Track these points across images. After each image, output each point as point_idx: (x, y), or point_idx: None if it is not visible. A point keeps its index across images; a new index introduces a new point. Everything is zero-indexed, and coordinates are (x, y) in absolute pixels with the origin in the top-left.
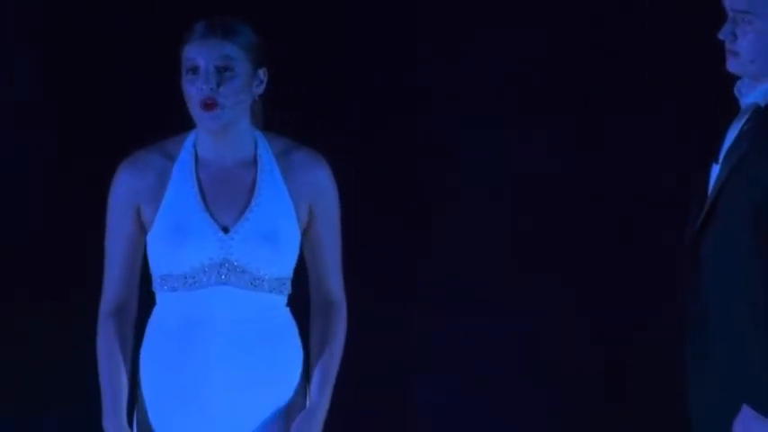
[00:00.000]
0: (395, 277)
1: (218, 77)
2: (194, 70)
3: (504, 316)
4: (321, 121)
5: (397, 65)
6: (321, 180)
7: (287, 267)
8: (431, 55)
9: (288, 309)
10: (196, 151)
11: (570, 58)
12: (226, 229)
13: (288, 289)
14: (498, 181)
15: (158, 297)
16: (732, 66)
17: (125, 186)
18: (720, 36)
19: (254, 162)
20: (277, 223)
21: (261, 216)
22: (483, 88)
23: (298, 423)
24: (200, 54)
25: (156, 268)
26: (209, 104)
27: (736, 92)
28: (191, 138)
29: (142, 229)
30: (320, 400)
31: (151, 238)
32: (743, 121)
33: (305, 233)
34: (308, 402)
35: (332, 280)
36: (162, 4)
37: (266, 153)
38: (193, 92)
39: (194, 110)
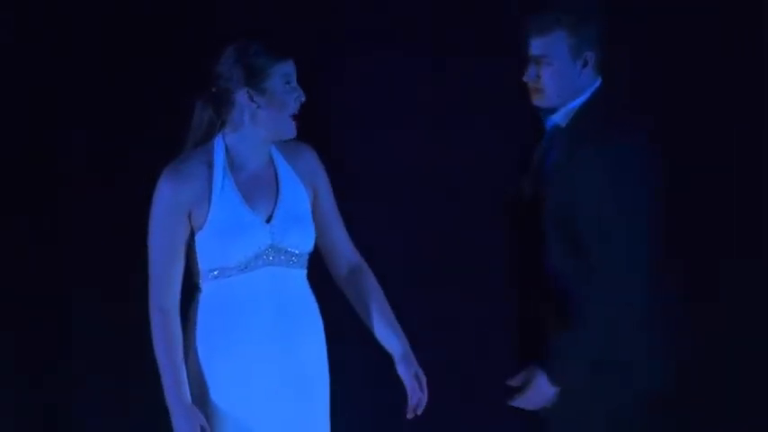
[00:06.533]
0: None
1: None
2: (292, 85)
3: None
4: None
5: None
6: (314, 163)
7: (312, 243)
8: None
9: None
10: (226, 157)
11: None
12: (267, 219)
13: (307, 264)
14: None
15: (207, 285)
16: (538, 101)
17: (173, 194)
18: (526, 79)
19: (271, 160)
20: (301, 207)
21: (289, 203)
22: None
23: (406, 367)
24: (294, 72)
25: (208, 262)
26: (297, 116)
27: (542, 116)
28: (218, 146)
29: (189, 231)
30: (405, 343)
31: (203, 236)
32: (547, 138)
33: (312, 212)
34: (395, 351)
35: (348, 246)
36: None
37: (275, 150)
38: (291, 102)
39: (283, 117)
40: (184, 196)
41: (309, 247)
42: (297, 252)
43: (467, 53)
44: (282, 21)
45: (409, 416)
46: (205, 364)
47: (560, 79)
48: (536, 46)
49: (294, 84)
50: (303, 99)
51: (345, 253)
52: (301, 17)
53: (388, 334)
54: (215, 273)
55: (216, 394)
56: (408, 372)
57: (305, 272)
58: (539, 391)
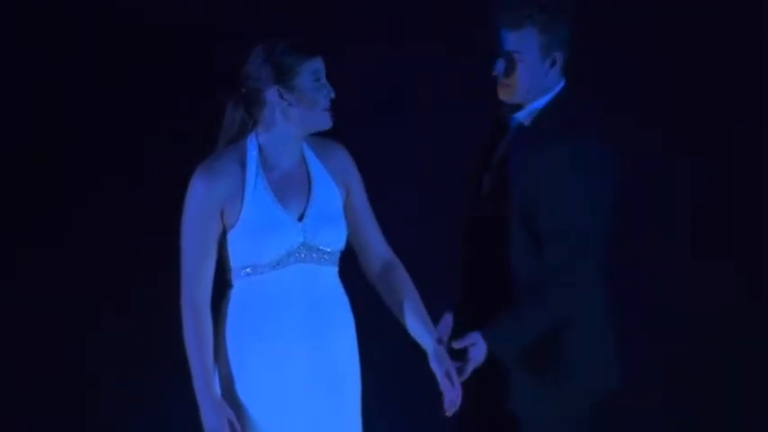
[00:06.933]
0: None
1: None
2: (322, 81)
3: None
4: None
5: None
6: (347, 162)
7: (344, 241)
8: None
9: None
10: (258, 156)
11: None
12: (299, 218)
13: (338, 261)
14: None
15: (238, 282)
16: (505, 96)
17: (206, 192)
18: (495, 72)
19: (303, 159)
20: (333, 205)
21: (321, 202)
22: None
23: (438, 363)
24: (323, 69)
25: (240, 259)
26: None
27: (505, 113)
28: (251, 145)
29: (221, 229)
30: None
31: (235, 234)
32: (510, 136)
33: (344, 209)
34: (428, 347)
35: (381, 244)
36: None
37: (307, 148)
38: (321, 98)
39: (315, 113)
40: (217, 194)
41: (341, 245)
42: (328, 250)
43: (466, 53)
44: (283, 20)
45: (447, 414)
46: (236, 360)
47: (529, 76)
48: (508, 40)
49: (323, 80)
50: (333, 95)
51: (378, 250)
52: (301, 17)
53: (420, 329)
54: (247, 270)
55: (246, 390)
56: (441, 368)
57: (336, 269)
58: (475, 350)
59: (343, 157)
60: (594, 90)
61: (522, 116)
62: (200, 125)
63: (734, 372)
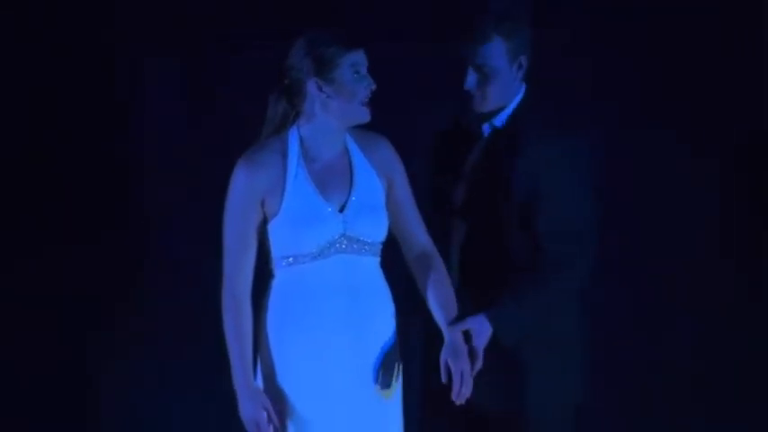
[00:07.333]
0: None
1: None
2: (361, 74)
3: None
4: None
5: None
6: (390, 154)
7: (384, 233)
8: None
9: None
10: (300, 147)
11: None
12: (340, 209)
13: (380, 252)
14: None
15: (280, 272)
16: (481, 107)
17: (247, 182)
18: (467, 87)
19: (345, 151)
20: (374, 197)
21: (363, 193)
22: None
23: (447, 355)
24: (364, 61)
25: (281, 249)
26: (369, 103)
27: (472, 121)
28: (293, 136)
29: (263, 219)
30: (455, 333)
31: (276, 224)
32: (483, 143)
33: (387, 201)
34: (445, 337)
35: (422, 235)
36: None
37: (350, 141)
38: (360, 90)
39: (354, 106)
40: (258, 184)
41: (381, 236)
42: (369, 241)
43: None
44: (282, 20)
45: (457, 402)
46: (277, 349)
47: (500, 83)
48: (477, 54)
49: (364, 72)
50: (373, 87)
51: (419, 241)
52: (301, 17)
53: (441, 318)
54: (288, 260)
55: (287, 380)
56: (453, 361)
57: (378, 260)
58: (480, 334)
59: (387, 150)
60: (593, 86)
61: (498, 121)
62: (201, 125)
63: (733, 372)
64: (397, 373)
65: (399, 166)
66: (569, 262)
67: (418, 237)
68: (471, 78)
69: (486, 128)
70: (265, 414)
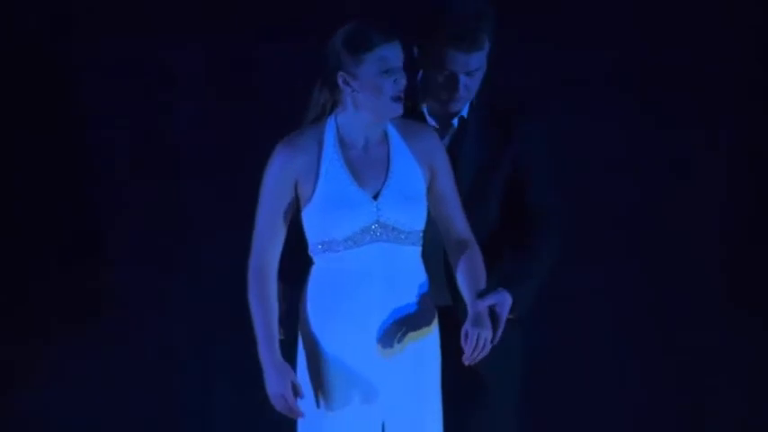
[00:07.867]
0: None
1: None
2: (389, 69)
3: None
4: None
5: None
6: (434, 143)
7: (422, 222)
8: None
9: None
10: (336, 135)
11: None
12: (375, 196)
13: (421, 241)
14: None
15: (317, 258)
16: (460, 105)
17: (283, 164)
18: (461, 94)
19: (385, 138)
20: (412, 185)
21: (399, 181)
22: None
23: (477, 325)
24: (396, 56)
25: (316, 236)
26: (402, 97)
27: (443, 114)
28: (330, 124)
29: (295, 202)
30: (480, 305)
31: (310, 210)
32: (453, 129)
33: (429, 191)
34: (470, 309)
35: (461, 224)
36: None
37: (392, 129)
38: (387, 86)
39: (382, 101)
40: (292, 166)
41: (419, 225)
42: (405, 229)
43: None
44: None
45: (466, 363)
46: (315, 333)
47: (481, 80)
48: (475, 60)
49: (393, 67)
50: (404, 82)
51: (459, 230)
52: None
53: (468, 294)
54: (323, 246)
55: (326, 364)
56: (475, 328)
57: (418, 249)
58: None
59: (430, 140)
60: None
61: (464, 112)
62: (200, 125)
63: (734, 371)
64: (437, 366)
65: (443, 155)
66: (555, 231)
67: (458, 226)
68: (463, 84)
69: (455, 121)
70: (292, 387)
